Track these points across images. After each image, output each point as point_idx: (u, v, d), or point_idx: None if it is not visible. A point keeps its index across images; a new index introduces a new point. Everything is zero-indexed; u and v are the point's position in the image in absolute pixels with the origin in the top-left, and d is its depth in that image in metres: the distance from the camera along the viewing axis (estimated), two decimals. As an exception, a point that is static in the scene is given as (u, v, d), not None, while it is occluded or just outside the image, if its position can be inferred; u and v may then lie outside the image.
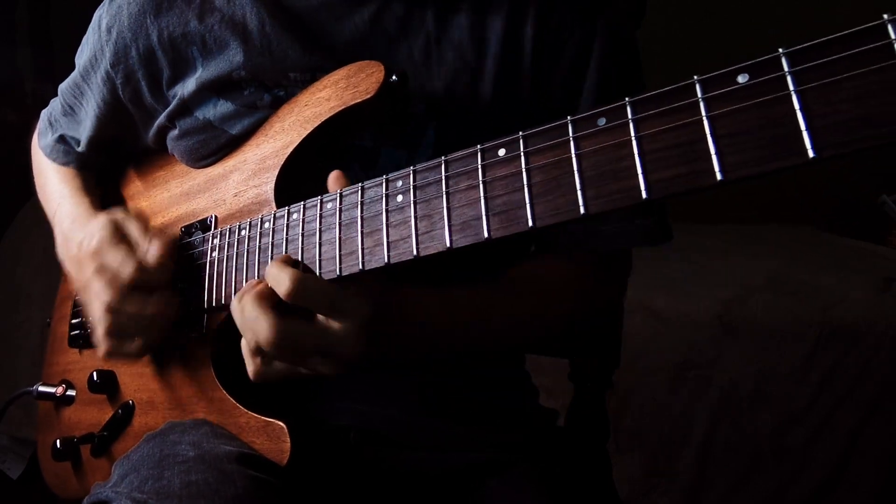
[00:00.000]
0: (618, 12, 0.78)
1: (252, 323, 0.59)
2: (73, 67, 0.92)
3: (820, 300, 1.76)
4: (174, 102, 0.80)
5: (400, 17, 0.75)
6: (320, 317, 0.59)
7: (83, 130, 0.91)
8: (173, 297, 0.76)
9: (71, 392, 0.92)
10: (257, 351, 0.61)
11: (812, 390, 1.69)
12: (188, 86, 0.78)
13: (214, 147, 0.80)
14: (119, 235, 0.79)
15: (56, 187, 0.97)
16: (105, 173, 0.99)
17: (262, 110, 0.77)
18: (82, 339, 0.92)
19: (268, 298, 0.60)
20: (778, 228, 2.48)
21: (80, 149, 0.93)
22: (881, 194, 2.36)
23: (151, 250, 0.76)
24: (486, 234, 0.51)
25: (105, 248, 0.77)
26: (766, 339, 1.73)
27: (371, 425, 0.78)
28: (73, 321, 0.95)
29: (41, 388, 0.94)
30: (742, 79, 0.41)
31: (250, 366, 0.62)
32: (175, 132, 0.82)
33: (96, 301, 0.76)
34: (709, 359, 1.73)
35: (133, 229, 0.79)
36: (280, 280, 0.58)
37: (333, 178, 0.63)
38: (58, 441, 0.87)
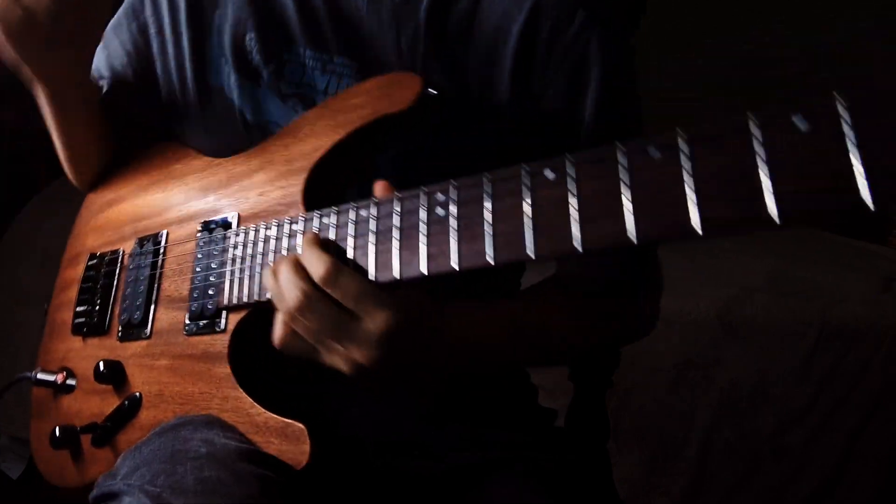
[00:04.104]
0: (612, 26, 0.77)
1: (284, 287, 0.60)
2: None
3: (820, 300, 1.76)
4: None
5: (395, 13, 0.76)
6: (348, 307, 0.59)
7: (112, 57, 0.92)
8: None
9: (71, 381, 0.90)
10: (286, 318, 0.61)
11: (812, 390, 1.69)
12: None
13: (220, 113, 0.83)
14: None
15: None
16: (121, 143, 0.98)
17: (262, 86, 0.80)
18: (86, 327, 0.91)
19: (304, 269, 0.61)
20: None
21: (103, 81, 0.93)
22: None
23: None
24: (531, 254, 0.51)
25: None
26: (766, 339, 1.73)
27: (369, 424, 0.78)
28: (79, 308, 0.93)
29: (40, 375, 0.92)
30: (798, 121, 0.41)
31: (277, 330, 0.63)
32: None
33: None
34: (709, 359, 1.73)
35: None
36: (316, 264, 0.59)
37: (379, 187, 0.63)
38: (57, 429, 0.86)
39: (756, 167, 0.42)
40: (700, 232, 0.44)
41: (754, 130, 0.43)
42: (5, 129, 2.70)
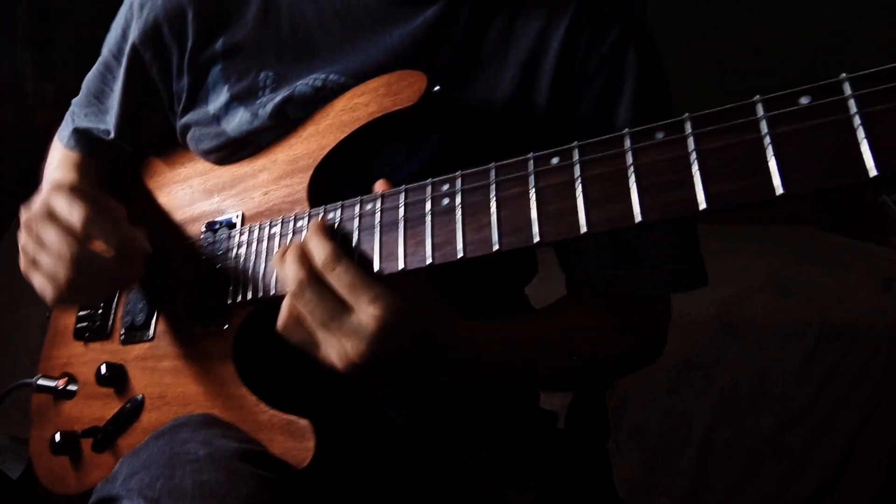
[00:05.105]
0: (647, 38, 0.76)
1: (287, 269, 0.61)
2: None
3: (820, 300, 1.76)
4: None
5: (432, 23, 0.75)
6: (343, 297, 0.59)
7: (112, 116, 0.91)
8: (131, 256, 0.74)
9: (72, 386, 0.90)
10: (290, 301, 0.61)
11: (812, 390, 1.69)
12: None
13: (215, 144, 0.81)
14: (84, 192, 0.73)
15: (54, 164, 0.97)
16: (127, 166, 0.98)
17: (261, 119, 0.78)
18: (88, 332, 0.90)
19: (307, 254, 0.61)
20: (778, 228, 2.49)
21: (111, 136, 0.92)
22: (881, 194, 2.36)
23: (137, 231, 0.75)
24: (536, 238, 0.51)
25: (55, 193, 0.72)
26: (766, 339, 1.73)
27: (370, 426, 0.78)
28: (81, 313, 0.93)
29: (41, 382, 0.92)
30: (805, 100, 0.42)
31: (281, 315, 0.62)
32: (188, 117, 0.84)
33: (44, 252, 0.72)
34: (709, 359, 1.73)
35: (118, 211, 0.76)
36: (318, 249, 0.60)
37: (379, 186, 0.63)
38: (57, 434, 0.86)
39: (760, 141, 0.43)
40: (704, 206, 0.44)
41: (759, 108, 0.43)
42: (5, 129, 2.70)
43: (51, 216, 0.72)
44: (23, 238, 0.75)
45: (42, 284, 0.74)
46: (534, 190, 0.52)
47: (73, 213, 0.71)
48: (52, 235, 0.71)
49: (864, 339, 1.68)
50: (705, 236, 0.79)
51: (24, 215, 0.74)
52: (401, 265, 0.58)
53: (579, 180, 0.50)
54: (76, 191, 0.72)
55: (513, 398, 0.88)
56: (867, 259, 2.12)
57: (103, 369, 0.84)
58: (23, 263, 0.76)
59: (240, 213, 0.79)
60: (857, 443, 1.68)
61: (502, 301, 0.88)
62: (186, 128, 0.84)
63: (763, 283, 1.84)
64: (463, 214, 0.56)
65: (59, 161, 0.96)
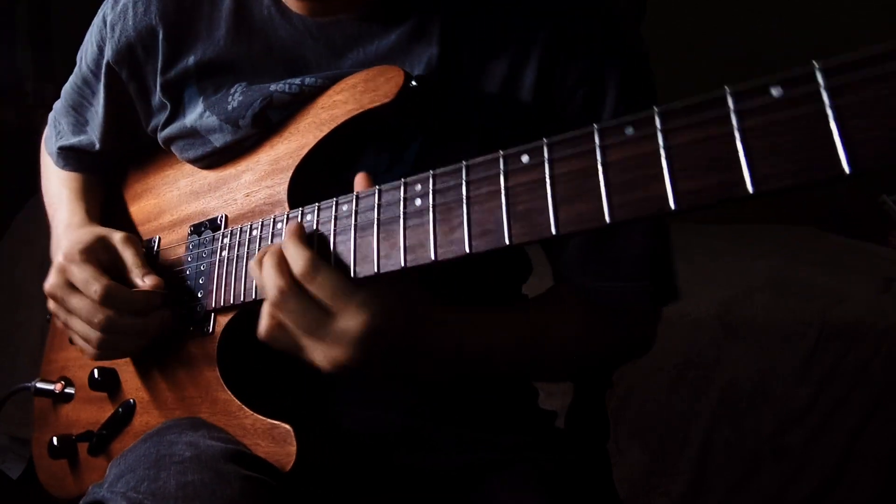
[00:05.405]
0: (630, 55, 0.74)
1: (265, 279, 0.60)
2: (72, 68, 0.92)
3: (820, 300, 1.75)
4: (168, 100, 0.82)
5: (406, 39, 0.74)
6: (325, 305, 0.59)
7: (94, 128, 0.92)
8: (158, 315, 0.78)
9: (70, 389, 0.91)
10: (270, 310, 0.61)
11: (812, 390, 1.69)
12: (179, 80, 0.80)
13: (201, 153, 0.81)
14: (94, 252, 0.80)
15: (56, 189, 0.97)
16: (112, 170, 0.99)
17: (244, 129, 0.77)
18: None
19: (285, 263, 0.61)
20: (778, 228, 2.48)
21: (97, 148, 0.93)
22: (881, 194, 2.36)
23: (148, 280, 0.78)
24: (506, 240, 0.50)
25: (70, 265, 0.79)
26: (766, 339, 1.72)
27: (371, 428, 0.78)
28: None
29: (39, 385, 0.93)
30: (776, 92, 0.40)
31: (262, 322, 0.62)
32: (166, 130, 0.83)
33: (74, 318, 0.78)
34: (709, 359, 1.73)
35: (128, 255, 0.81)
36: (295, 258, 0.59)
37: (359, 180, 0.63)
38: (55, 438, 0.87)
39: (731, 135, 0.41)
40: (673, 206, 0.43)
41: (729, 100, 0.42)
42: (5, 129, 2.70)
43: (72, 286, 0.79)
44: (52, 304, 0.81)
45: (81, 344, 0.81)
46: (504, 189, 0.51)
47: (89, 286, 0.77)
48: (77, 303, 0.78)
49: (864, 339, 1.68)
50: (706, 236, 0.79)
51: (47, 285, 0.80)
52: (375, 269, 0.58)
53: (548, 179, 0.49)
54: (88, 256, 0.79)
55: (513, 398, 0.88)
56: (867, 259, 2.11)
57: (96, 373, 0.85)
58: (58, 324, 0.83)
59: (224, 215, 0.79)
60: (857, 443, 1.68)
61: (497, 301, 0.88)
62: (170, 140, 0.84)
63: (763, 283, 1.84)
64: (435, 216, 0.55)
65: (58, 189, 0.97)
